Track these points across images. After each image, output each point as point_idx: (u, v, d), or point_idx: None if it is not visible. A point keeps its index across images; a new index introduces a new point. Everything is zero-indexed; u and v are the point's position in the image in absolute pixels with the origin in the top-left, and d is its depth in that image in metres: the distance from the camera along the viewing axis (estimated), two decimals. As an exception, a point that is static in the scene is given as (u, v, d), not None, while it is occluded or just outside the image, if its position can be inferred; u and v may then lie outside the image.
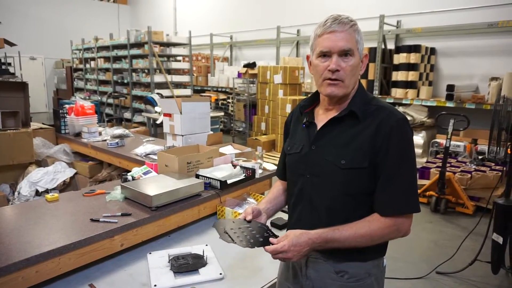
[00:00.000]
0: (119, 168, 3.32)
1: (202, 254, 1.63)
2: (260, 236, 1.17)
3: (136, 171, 2.28)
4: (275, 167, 2.57)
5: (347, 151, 1.13)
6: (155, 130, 6.31)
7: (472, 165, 4.81)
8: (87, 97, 9.49)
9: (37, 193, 3.35)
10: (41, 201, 1.91)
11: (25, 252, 1.35)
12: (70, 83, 11.72)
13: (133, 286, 1.45)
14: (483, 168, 4.61)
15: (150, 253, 1.68)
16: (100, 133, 3.74)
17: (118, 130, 3.77)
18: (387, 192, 1.11)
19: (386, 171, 1.11)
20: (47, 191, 3.37)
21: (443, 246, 3.49)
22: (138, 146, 3.11)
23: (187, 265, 1.55)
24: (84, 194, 1.98)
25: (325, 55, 1.14)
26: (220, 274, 1.51)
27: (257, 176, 2.36)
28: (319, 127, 1.22)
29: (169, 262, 1.58)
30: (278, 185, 1.49)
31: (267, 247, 1.12)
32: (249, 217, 1.26)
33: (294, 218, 1.32)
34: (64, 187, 3.51)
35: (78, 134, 3.76)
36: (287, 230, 1.35)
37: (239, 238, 1.17)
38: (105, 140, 3.46)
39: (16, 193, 3.31)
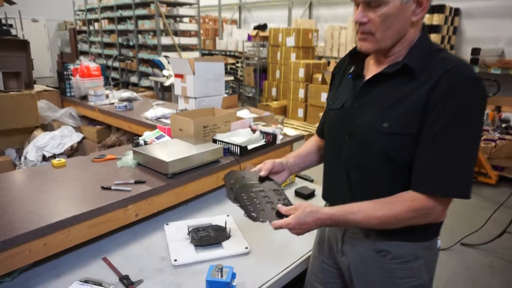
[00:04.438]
0: (128, 132, 3.16)
1: (224, 225, 1.49)
2: (275, 203, 1.04)
3: (148, 135, 2.11)
4: (297, 133, 2.40)
5: (392, 112, 0.93)
6: (163, 94, 6.10)
7: (495, 133, 4.58)
8: (92, 61, 9.21)
9: (44, 158, 3.23)
10: (46, 166, 1.76)
11: (31, 223, 1.21)
12: (74, 46, 11.39)
13: (151, 260, 1.32)
14: (507, 137, 4.39)
15: (167, 224, 1.54)
16: (107, 96, 3.55)
17: (126, 93, 3.57)
18: (424, 163, 0.91)
19: (430, 137, 0.89)
20: (54, 156, 3.25)
21: (466, 217, 3.34)
22: (148, 109, 2.93)
23: (208, 237, 1.41)
24: (93, 160, 1.83)
25: (356, 3, 0.94)
26: (246, 248, 1.37)
27: (278, 142, 2.18)
28: (366, 80, 1.02)
29: (188, 234, 1.45)
30: (313, 141, 1.33)
31: (273, 221, 0.99)
32: (263, 173, 1.15)
33: (328, 185, 1.17)
34: (72, 152, 3.38)
35: (84, 97, 3.58)
36: (322, 196, 1.20)
37: (249, 206, 1.04)
38: (113, 104, 3.28)
39: (22, 158, 3.19)
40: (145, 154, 1.71)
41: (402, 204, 0.92)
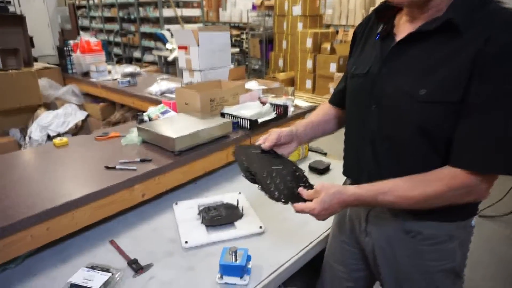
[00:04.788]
0: (132, 109, 3.07)
1: (236, 204, 1.41)
2: (295, 185, 0.95)
3: (152, 111, 2.01)
4: (309, 105, 2.28)
5: (430, 77, 0.80)
6: (167, 69, 5.96)
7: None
8: (93, 36, 9.02)
9: (49, 138, 3.17)
10: (48, 146, 1.68)
11: (32, 207, 1.14)
12: (75, 22, 11.09)
13: (160, 242, 1.25)
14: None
15: (176, 203, 1.47)
16: (109, 72, 3.44)
17: (129, 68, 3.44)
18: (467, 134, 0.78)
19: (476, 105, 0.76)
20: (59, 135, 3.18)
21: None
22: (152, 84, 2.82)
23: (220, 217, 1.33)
24: (96, 138, 1.74)
25: None
26: (260, 227, 1.30)
27: (289, 114, 2.07)
28: (397, 40, 0.88)
29: (199, 214, 1.37)
30: (326, 109, 1.22)
31: (295, 204, 0.91)
32: (267, 146, 1.05)
33: (350, 160, 1.06)
34: (77, 130, 3.30)
35: (86, 74, 3.47)
36: (344, 172, 1.10)
37: (270, 185, 0.95)
38: (115, 79, 3.17)
39: (27, 138, 3.13)
40: (150, 131, 1.61)
41: (440, 182, 0.81)
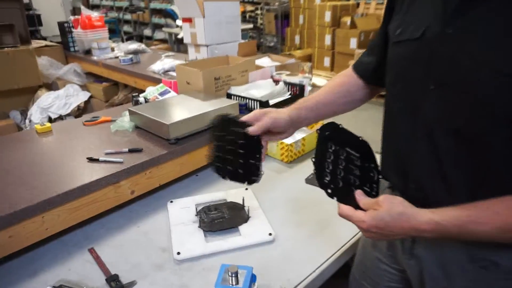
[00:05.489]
0: (136, 89, 2.85)
1: (241, 203, 1.18)
2: (357, 184, 0.71)
3: (150, 91, 1.78)
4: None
5: None
6: (178, 46, 5.70)
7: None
8: (104, 14, 8.78)
9: (50, 120, 3.00)
10: (29, 132, 1.48)
11: (-9, 209, 0.93)
12: (86, 0, 10.92)
13: (150, 251, 1.04)
14: None
15: (171, 201, 1.25)
16: (112, 49, 3.21)
17: (133, 45, 3.21)
18: None
19: None
20: (61, 117, 3.01)
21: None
22: (156, 62, 2.58)
23: (222, 220, 1.11)
24: (85, 123, 1.52)
25: None
26: (270, 234, 1.06)
27: (306, 94, 1.80)
28: None
29: (196, 215, 1.15)
30: (342, 82, 0.94)
31: (342, 206, 0.69)
32: (255, 130, 0.81)
33: (393, 162, 0.79)
34: (79, 112, 3.11)
35: (89, 51, 3.25)
36: (381, 174, 0.84)
37: (327, 165, 0.74)
38: (118, 57, 2.94)
39: (27, 121, 2.97)
40: (142, 115, 1.38)
41: None
